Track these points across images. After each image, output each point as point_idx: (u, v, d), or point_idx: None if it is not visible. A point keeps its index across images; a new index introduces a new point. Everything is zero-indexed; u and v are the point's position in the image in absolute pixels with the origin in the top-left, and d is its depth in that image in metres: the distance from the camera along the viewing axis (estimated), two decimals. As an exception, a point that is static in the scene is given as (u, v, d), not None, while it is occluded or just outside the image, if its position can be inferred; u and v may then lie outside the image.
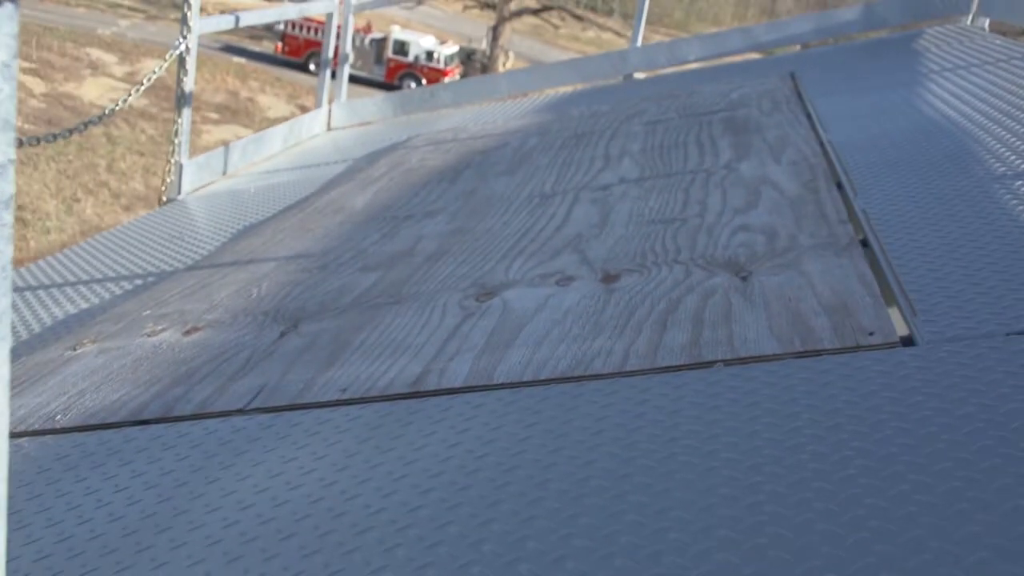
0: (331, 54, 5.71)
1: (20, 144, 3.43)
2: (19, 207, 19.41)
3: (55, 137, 3.70)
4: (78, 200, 20.73)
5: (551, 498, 1.24)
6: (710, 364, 1.56)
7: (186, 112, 4.29)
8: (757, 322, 1.68)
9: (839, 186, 2.48)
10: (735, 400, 1.42)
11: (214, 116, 29.61)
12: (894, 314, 1.66)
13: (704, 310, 1.78)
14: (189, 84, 4.26)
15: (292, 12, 5.73)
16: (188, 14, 4.12)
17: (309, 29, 34.61)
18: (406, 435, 1.51)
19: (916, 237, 1.99)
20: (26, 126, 24.34)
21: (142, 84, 4.18)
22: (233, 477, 1.49)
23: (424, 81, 31.20)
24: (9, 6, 0.59)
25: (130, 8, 45.61)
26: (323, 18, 5.74)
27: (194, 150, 4.53)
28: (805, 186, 2.51)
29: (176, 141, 4.30)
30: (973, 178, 2.33)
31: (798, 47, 5.75)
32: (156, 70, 4.13)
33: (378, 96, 6.03)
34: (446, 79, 31.84)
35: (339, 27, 5.71)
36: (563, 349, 1.72)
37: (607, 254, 2.26)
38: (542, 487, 1.27)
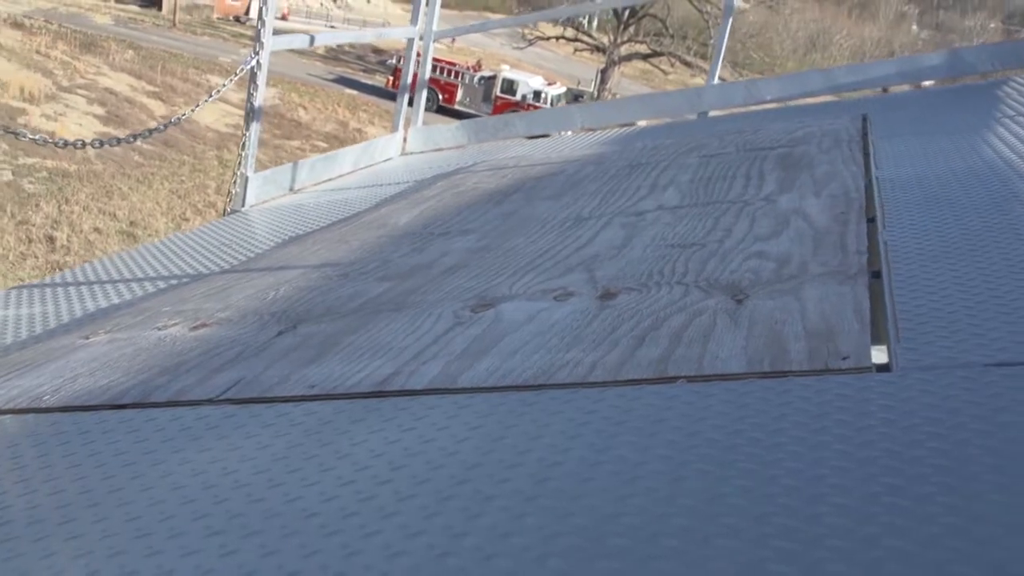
0: (409, 80, 5.79)
1: (82, 145, 3.56)
2: (131, 223, 20.21)
3: (119, 141, 3.82)
4: (187, 219, 21.47)
5: (464, 496, 1.20)
6: (673, 380, 1.50)
7: (254, 126, 4.39)
8: (734, 342, 1.61)
9: (871, 220, 2.38)
10: (685, 415, 1.35)
11: (322, 144, 30.39)
12: (881, 342, 1.58)
13: (687, 329, 1.71)
14: (259, 99, 4.36)
15: (369, 36, 5.84)
16: (261, 31, 4.23)
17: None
18: (352, 431, 1.49)
19: (929, 270, 1.89)
20: (145, 146, 25.38)
21: (206, 98, 4.29)
22: (177, 461, 1.49)
23: (529, 120, 31.27)
24: None
25: (251, 39, 47.29)
26: (437, 54, 5.84)
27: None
28: (836, 218, 2.42)
29: (243, 154, 4.40)
30: (1009, 218, 2.21)
31: (879, 91, 5.59)
32: (225, 83, 4.25)
33: (454, 124, 6.08)
34: (550, 119, 31.94)
35: (419, 54, 5.79)
36: (534, 359, 1.68)
37: (616, 273, 2.21)
38: (460, 485, 1.23)
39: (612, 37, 38.50)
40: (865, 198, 2.61)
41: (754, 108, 5.41)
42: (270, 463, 1.41)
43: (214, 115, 29.49)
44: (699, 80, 39.43)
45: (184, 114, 4.26)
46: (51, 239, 18.15)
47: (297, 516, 1.21)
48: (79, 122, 26.98)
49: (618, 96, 38.13)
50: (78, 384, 1.97)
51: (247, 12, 52.80)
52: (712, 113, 5.43)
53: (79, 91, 29.67)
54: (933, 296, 1.72)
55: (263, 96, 4.38)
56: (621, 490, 1.16)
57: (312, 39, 4.85)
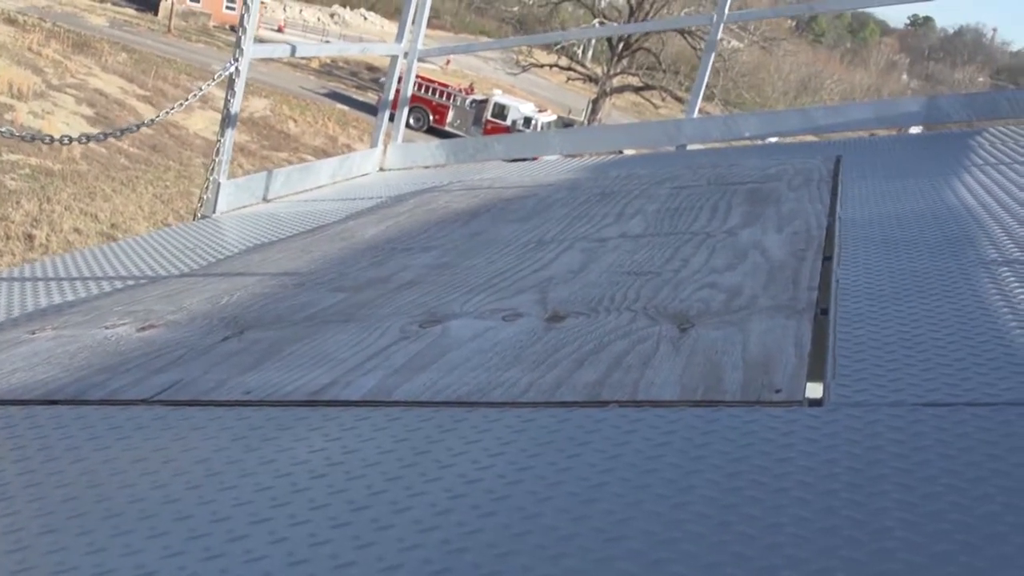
0: (391, 96, 5.80)
1: (71, 141, 3.54)
2: (112, 225, 20.11)
3: (88, 139, 3.79)
4: (168, 225, 21.38)
5: (379, 506, 1.18)
6: (605, 404, 1.49)
7: (229, 133, 4.38)
8: (671, 370, 1.60)
9: (828, 257, 2.39)
10: (609, 438, 1.35)
11: (309, 157, 30.36)
12: (818, 378, 1.58)
13: (627, 355, 1.71)
14: (235, 106, 4.35)
15: (353, 50, 5.85)
16: (242, 38, 4.23)
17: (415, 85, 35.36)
18: (279, 439, 1.47)
19: (875, 308, 1.89)
20: (132, 149, 25.33)
21: (184, 102, 4.28)
22: (100, 459, 1.46)
23: (518, 145, 31.39)
24: None
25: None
26: (429, 74, 5.85)
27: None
28: (793, 254, 2.43)
29: (216, 160, 4.39)
30: (961, 260, 2.22)
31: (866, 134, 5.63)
32: (203, 87, 4.24)
33: (433, 142, 6.09)
34: (539, 145, 32.08)
35: (402, 71, 5.81)
36: (471, 376, 1.66)
37: (567, 297, 2.20)
38: (376, 495, 1.22)
39: (605, 68, 38.76)
40: (825, 236, 2.62)
41: (733, 144, 5.44)
42: (191, 466, 1.39)
43: (203, 122, 29.47)
44: (689, 115, 39.72)
45: (159, 115, 4.24)
46: (30, 237, 18.03)
47: (206, 519, 1.19)
48: (66, 121, 26.89)
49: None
50: (15, 378, 1.95)
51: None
52: (691, 146, 5.45)
53: (69, 90, 29.60)
54: (875, 334, 1.72)
55: (240, 103, 4.37)
56: (533, 508, 1.15)
57: (294, 49, 4.85)
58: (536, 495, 1.19)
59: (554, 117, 38.15)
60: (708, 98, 36.87)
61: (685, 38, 35.17)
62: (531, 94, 45.89)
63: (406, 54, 5.74)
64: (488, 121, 36.78)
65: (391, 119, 5.88)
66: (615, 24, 35.87)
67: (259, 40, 4.31)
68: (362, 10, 65.27)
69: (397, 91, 5.85)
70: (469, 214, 3.74)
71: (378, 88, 38.97)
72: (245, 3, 4.25)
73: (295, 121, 33.48)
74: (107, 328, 2.33)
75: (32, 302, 2.88)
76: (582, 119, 39.66)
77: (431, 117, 36.74)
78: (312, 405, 1.62)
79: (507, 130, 35.87)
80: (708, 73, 5.37)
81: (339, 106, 38.88)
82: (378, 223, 3.70)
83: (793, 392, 1.46)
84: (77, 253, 3.60)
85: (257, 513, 1.19)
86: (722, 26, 5.31)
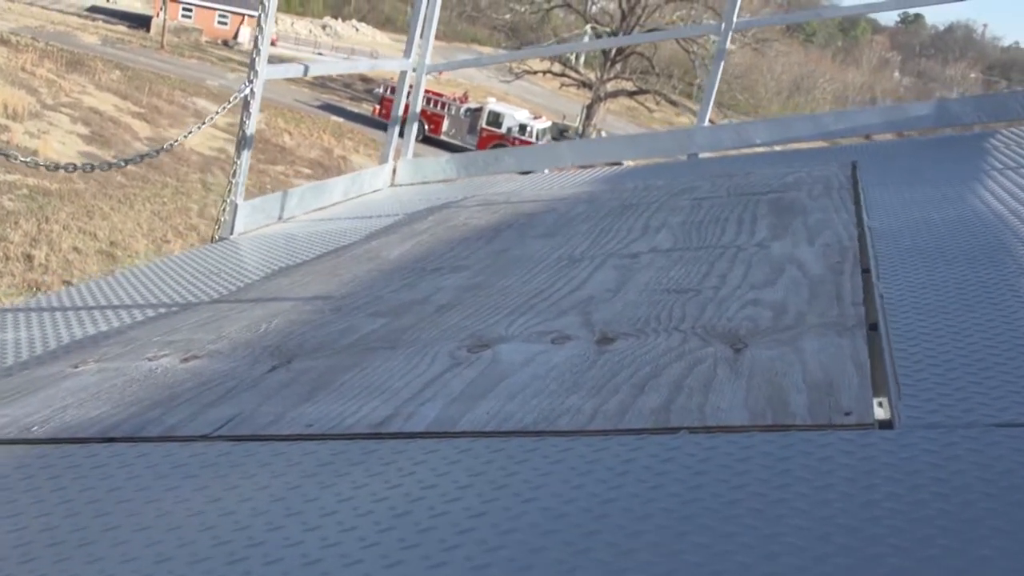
0: (400, 111, 5.81)
1: (74, 169, 3.53)
2: (111, 243, 20.11)
3: (110, 165, 3.80)
4: (168, 241, 21.36)
5: (469, 545, 1.19)
6: (675, 430, 1.50)
7: (245, 154, 4.39)
8: (734, 393, 1.61)
9: (866, 270, 2.40)
10: (687, 467, 1.35)
11: (306, 171, 30.40)
12: (883, 398, 1.58)
13: (687, 378, 1.71)
14: (251, 127, 4.36)
15: (364, 66, 5.87)
16: (256, 59, 4.24)
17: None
18: (351, 474, 1.47)
19: (926, 323, 1.90)
20: (128, 167, 25.31)
21: (203, 125, 4.29)
22: (172, 499, 1.47)
23: (514, 153, 31.49)
24: None
25: (239, 63, 47.33)
26: (426, 86, 5.86)
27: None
28: (830, 268, 2.44)
29: (233, 181, 4.39)
30: (1001, 270, 2.23)
31: (866, 138, 5.65)
32: (219, 110, 4.25)
33: (444, 156, 6.10)
34: (535, 153, 32.16)
35: (411, 86, 5.82)
36: (534, 404, 1.67)
37: (611, 318, 2.21)
38: (464, 535, 1.22)
39: (599, 73, 38.81)
40: (858, 247, 2.63)
41: (744, 151, 5.45)
42: (269, 504, 1.39)
43: (199, 138, 29.43)
44: (684, 119, 39.80)
45: (176, 140, 4.25)
46: (29, 257, 18.02)
47: (297, 562, 1.19)
48: (62, 141, 26.90)
49: (603, 132, 38.37)
50: (68, 415, 1.95)
51: (235, 36, 52.95)
52: (702, 155, 5.47)
53: (63, 110, 29.61)
54: (931, 351, 1.73)
55: (255, 124, 4.38)
56: (626, 544, 1.15)
57: (306, 68, 4.87)
58: (625, 529, 1.19)
59: (549, 124, 38.19)
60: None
61: (678, 42, 35.22)
62: (525, 101, 45.94)
63: (415, 69, 5.75)
64: (483, 129, 36.83)
65: (400, 135, 5.89)
66: (608, 31, 35.91)
67: (250, 52, 4.32)
68: (353, 21, 65.41)
69: (406, 106, 5.86)
70: (492, 230, 3.74)
71: (372, 99, 39.06)
72: (259, 25, 4.26)
73: (290, 134, 33.51)
74: (150, 360, 2.33)
75: (66, 333, 2.88)
76: (577, 125, 39.72)
77: (426, 127, 36.76)
78: (377, 438, 1.62)
79: (502, 138, 35.94)
80: (718, 82, 5.39)
81: (334, 118, 38.94)
82: (401, 242, 3.71)
83: (863, 414, 1.47)
84: (102, 281, 3.61)
85: (348, 555, 1.20)
86: (731, 34, 5.33)
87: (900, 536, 1.10)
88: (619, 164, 5.84)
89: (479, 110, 37.78)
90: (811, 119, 5.39)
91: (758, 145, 5.37)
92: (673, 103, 38.00)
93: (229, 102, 4.25)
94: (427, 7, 5.56)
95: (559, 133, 39.45)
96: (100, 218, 21.27)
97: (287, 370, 2.09)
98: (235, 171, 4.39)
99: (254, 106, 4.34)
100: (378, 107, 38.13)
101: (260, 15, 4.24)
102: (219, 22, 53.40)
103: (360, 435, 1.64)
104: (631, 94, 39.79)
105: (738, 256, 2.71)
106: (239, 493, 1.45)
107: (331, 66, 5.32)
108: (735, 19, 5.30)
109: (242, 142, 4.39)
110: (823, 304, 2.11)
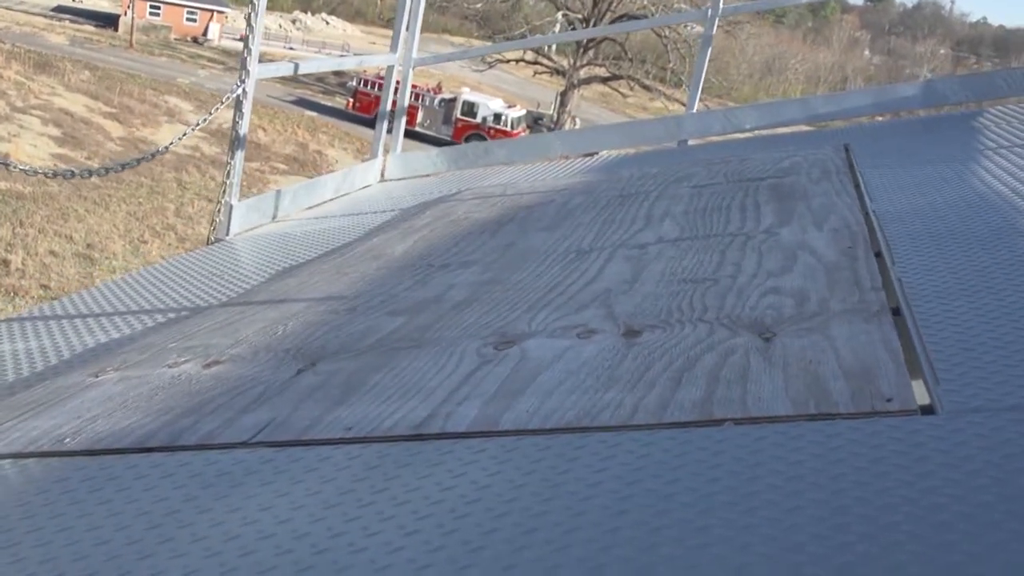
0: (388, 106, 5.79)
1: (72, 176, 3.51)
2: (88, 246, 19.94)
3: (106, 171, 3.78)
4: (145, 242, 21.20)
5: (537, 546, 1.19)
6: (720, 422, 1.51)
7: (239, 155, 4.37)
8: (773, 383, 1.62)
9: (878, 255, 2.42)
10: (739, 459, 1.36)
11: (282, 167, 30.24)
12: (918, 383, 1.60)
13: (721, 368, 1.73)
14: (244, 127, 4.34)
15: (351, 63, 5.84)
16: (247, 59, 4.21)
17: (381, 87, 35.33)
18: (401, 476, 1.48)
19: (950, 307, 1.92)
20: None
21: (196, 127, 4.27)
22: (224, 508, 1.47)
23: (490, 142, 31.48)
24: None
25: (209, 60, 47.02)
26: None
27: (260, 198, 4.62)
28: (843, 253, 2.46)
29: (228, 182, 4.37)
30: (1017, 252, 2.26)
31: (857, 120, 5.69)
32: (211, 111, 4.22)
33: (433, 151, 6.09)
34: (511, 142, 32.19)
35: (398, 81, 5.80)
36: (572, 400, 1.68)
37: (633, 310, 2.22)
38: (529, 535, 1.23)
39: (571, 60, 38.77)
40: (867, 231, 2.65)
41: (732, 137, 5.47)
42: (323, 511, 1.39)
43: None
44: (658, 104, 39.81)
45: (171, 144, 4.22)
46: (5, 262, 17.86)
47: (368, 568, 1.20)
48: (34, 143, 26.61)
49: (577, 119, 38.35)
50: (99, 425, 1.94)
51: (205, 33, 52.54)
52: (691, 141, 5.49)
53: (34, 112, 29.29)
54: (960, 335, 1.75)
55: (248, 124, 4.36)
56: (693, 539, 1.17)
57: (297, 66, 4.85)
58: (692, 523, 1.20)
59: (523, 112, 38.20)
60: (676, 84, 37.01)
61: (652, 28, 35.22)
62: (498, 90, 45.89)
63: (402, 64, 5.74)
64: (458, 119, 36.78)
65: (389, 131, 5.88)
66: (579, 17, 35.85)
67: (224, 51, 4.27)
68: (323, 15, 65.03)
69: (394, 101, 5.85)
70: (493, 224, 3.75)
71: (346, 93, 38.84)
72: (249, 24, 4.24)
73: (264, 130, 33.31)
74: (171, 367, 2.32)
75: (77, 341, 2.86)
76: (551, 112, 39.70)
77: (401, 119, 36.64)
78: (419, 439, 1.63)
79: (477, 127, 35.89)
80: (705, 69, 5.41)
81: (308, 113, 38.72)
82: (403, 239, 3.71)
83: (906, 400, 1.48)
84: (105, 286, 3.58)
85: (415, 559, 1.20)
86: (717, 21, 5.35)
87: (968, 522, 1.11)
88: (595, 154, 5.83)
89: (453, 100, 37.70)
90: (799, 103, 5.42)
91: (747, 130, 5.40)
92: (647, 88, 37.99)
93: (222, 102, 4.23)
94: (412, 1, 5.55)
95: (534, 121, 39.47)
96: (76, 220, 21.08)
97: (314, 373, 2.09)
98: (229, 171, 4.37)
99: (246, 106, 4.32)
100: (352, 100, 37.96)
101: (250, 14, 4.22)
102: (188, 19, 52.94)
103: (401, 437, 1.65)
104: (604, 80, 39.77)
105: (748, 244, 2.73)
106: (291, 500, 1.45)
107: (320, 63, 5.34)
108: (721, 5, 5.31)
109: (235, 142, 4.37)
110: (843, 290, 2.13)
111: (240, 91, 4.26)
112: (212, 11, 52.99)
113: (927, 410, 1.47)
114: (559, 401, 1.68)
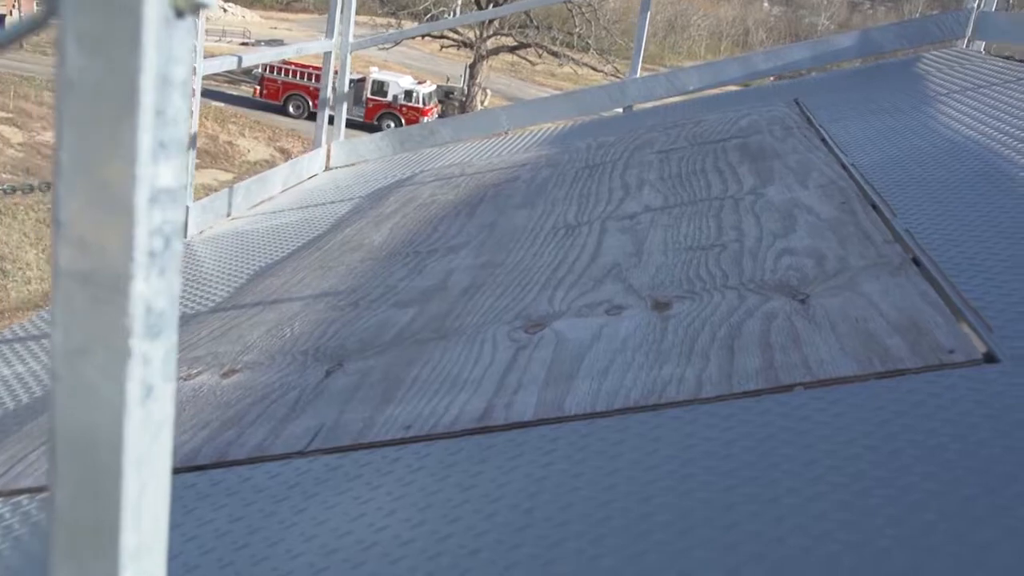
0: (329, 93, 5.70)
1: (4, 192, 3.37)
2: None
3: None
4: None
5: (657, 531, 1.20)
6: (789, 388, 1.53)
7: (191, 154, 4.25)
8: (828, 344, 1.65)
9: (875, 207, 2.47)
10: (825, 423, 1.39)
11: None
12: (966, 331, 1.64)
13: (769, 334, 1.75)
14: (193, 126, 4.22)
15: (289, 51, 5.72)
16: (193, 56, 4.10)
17: (287, 72, 34.72)
18: (485, 472, 1.47)
19: (968, 254, 1.97)
20: (3, 175, 24.21)
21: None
22: (310, 521, 1.44)
23: (403, 121, 31.29)
24: (190, 19, 0.56)
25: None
26: (301, 60, 5.74)
27: (190, 194, 4.49)
28: (840, 209, 2.50)
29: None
30: (1012, 196, 2.32)
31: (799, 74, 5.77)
32: (162, 113, 4.10)
33: (376, 134, 6.01)
34: (425, 118, 32.04)
35: (336, 67, 5.71)
36: (631, 378, 1.68)
37: (651, 282, 2.23)
38: (646, 519, 1.23)
39: (477, 32, 38.53)
40: (855, 185, 2.70)
41: (676, 100, 5.51)
42: (422, 512, 1.38)
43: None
44: (567, 69, 39.80)
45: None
46: (-86, 282, 17.17)
47: (488, 570, 1.19)
48: (-70, 156, 25.55)
49: (488, 90, 38.22)
50: (135, 447, 1.88)
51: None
52: (637, 106, 5.51)
53: (-75, 123, 28.09)
54: (994, 283, 1.80)
55: (197, 123, 4.24)
56: (814, 508, 1.18)
57: (240, 60, 4.73)
58: (801, 493, 1.22)
59: (434, 87, 37.86)
60: (583, 49, 37.07)
61: (554, -7, 35.13)
62: (406, 67, 45.40)
63: (340, 49, 5.64)
64: (369, 99, 36.29)
65: (330, 121, 5.78)
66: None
67: None
68: (220, 1, 63.33)
69: (334, 88, 5.75)
70: (464, 204, 3.72)
71: (252, 80, 38.05)
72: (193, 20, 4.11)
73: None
74: (187, 380, 2.26)
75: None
76: (461, 85, 39.47)
77: (310, 103, 36.07)
78: (487, 431, 1.62)
79: (389, 106, 35.51)
80: (646, 33, 5.42)
81: (214, 103, 37.83)
82: (377, 227, 3.66)
83: (968, 351, 1.52)
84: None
85: (538, 555, 1.20)
86: (654, -16, 5.36)
87: (1080, 464, 1.15)
88: (504, 133, 5.78)
89: (362, 80, 37.17)
90: (739, 61, 5.48)
91: (691, 91, 5.44)
92: (555, 54, 37.96)
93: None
94: (345, -16, 5.45)
95: (445, 96, 39.21)
96: (-18, 233, 20.33)
97: (344, 373, 2.06)
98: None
99: (195, 104, 4.21)
100: (258, 88, 37.20)
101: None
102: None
103: (466, 431, 1.63)
104: (512, 49, 39.61)
105: (739, 206, 2.76)
106: (377, 505, 1.43)
107: (261, 55, 5.26)
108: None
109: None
110: (856, 246, 2.17)
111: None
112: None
113: (990, 359, 1.51)
114: (617, 381, 1.69)
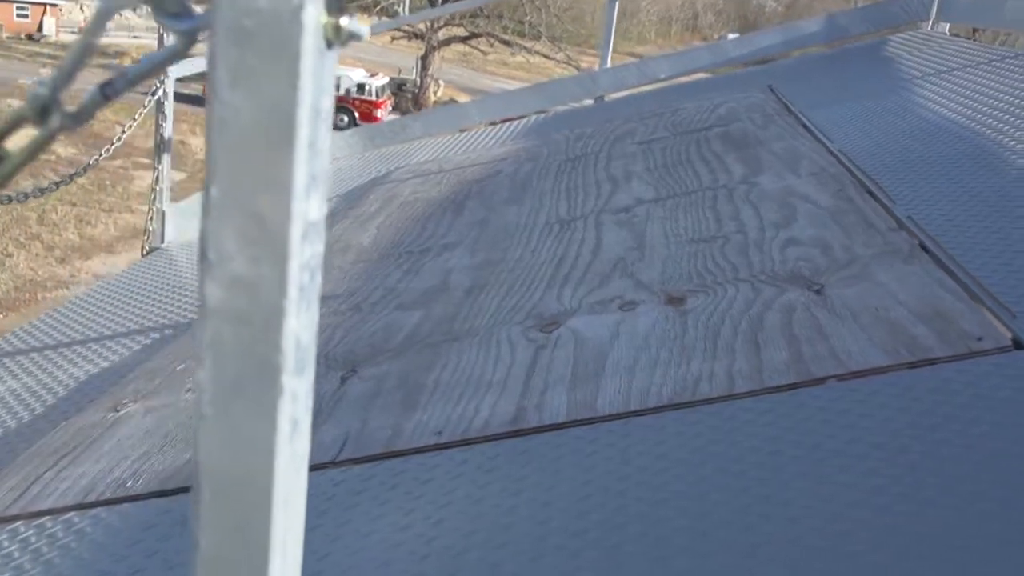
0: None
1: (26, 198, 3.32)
2: (-41, 269, 18.87)
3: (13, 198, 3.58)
4: (10, 255, 20.19)
5: (719, 529, 1.21)
6: (822, 380, 1.55)
7: (166, 158, 4.20)
8: (853, 335, 1.67)
9: (871, 194, 2.49)
10: (867, 415, 1.40)
11: (145, 161, 29.11)
12: (990, 318, 1.67)
13: (791, 326, 1.77)
14: (168, 130, 4.17)
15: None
16: (165, 59, 4.03)
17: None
18: (529, 475, 1.47)
19: (974, 238, 2.00)
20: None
21: (113, 141, 4.08)
22: (352, 534, 1.43)
23: (356, 114, 31.10)
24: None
25: (51, 57, 44.79)
26: None
27: (127, 196, 4.43)
28: (837, 196, 2.53)
29: (157, 188, 4.20)
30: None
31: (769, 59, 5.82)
32: (135, 118, 4.04)
33: (346, 131, 5.97)
34: (378, 111, 31.87)
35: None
36: (659, 376, 1.69)
37: (660, 276, 2.24)
38: (705, 517, 1.24)
39: (428, 23, 38.35)
40: (847, 172, 2.73)
41: (646, 88, 5.53)
42: (472, 522, 1.37)
43: (20, 138, 27.79)
44: (519, 58, 39.81)
45: (100, 156, 4.02)
46: None
47: (552, 574, 1.19)
48: None
49: (441, 81, 38.11)
50: (155, 463, 1.86)
51: (40, 28, 49.96)
52: (608, 96, 5.53)
53: None
54: (1004, 266, 1.83)
55: (172, 126, 4.19)
56: (895, 489, 1.20)
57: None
58: (858, 487, 1.23)
59: (387, 79, 37.63)
60: (535, 37, 37.05)
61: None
62: (358, 60, 45.06)
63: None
64: (321, 94, 36.03)
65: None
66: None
67: (60, 44, 4.05)
68: (368, 31, 62.02)
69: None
70: (451, 202, 3.71)
71: (200, 78, 37.53)
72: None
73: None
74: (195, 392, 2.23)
75: (65, 376, 2.71)
76: (414, 77, 39.30)
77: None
78: (521, 435, 1.62)
79: (341, 100, 35.24)
80: (614, 23, 5.44)
81: (162, 102, 37.28)
82: (363, 227, 3.64)
83: (997, 338, 1.55)
84: (56, 313, 3.41)
85: (600, 561, 1.20)
86: (621, -26, 5.37)
87: None
88: (463, 130, 5.76)
89: (314, 75, 36.88)
90: (709, 48, 5.52)
91: (662, 80, 5.46)
92: (506, 43, 37.92)
93: (144, 107, 4.05)
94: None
95: (397, 88, 38.99)
96: (-73, 244, 19.92)
97: (359, 379, 2.05)
98: (158, 176, 4.20)
99: (168, 107, 4.15)
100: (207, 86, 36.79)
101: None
102: (19, 15, 50.14)
103: (501, 435, 1.63)
104: (463, 39, 39.51)
105: (733, 196, 2.78)
106: (424, 514, 1.43)
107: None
108: (624, -42, 5.33)
109: (160, 146, 4.20)
110: (861, 234, 2.19)
111: (160, 92, 4.09)
112: (44, 5, 50.33)
113: (1018, 344, 1.53)
114: (645, 378, 1.69)
